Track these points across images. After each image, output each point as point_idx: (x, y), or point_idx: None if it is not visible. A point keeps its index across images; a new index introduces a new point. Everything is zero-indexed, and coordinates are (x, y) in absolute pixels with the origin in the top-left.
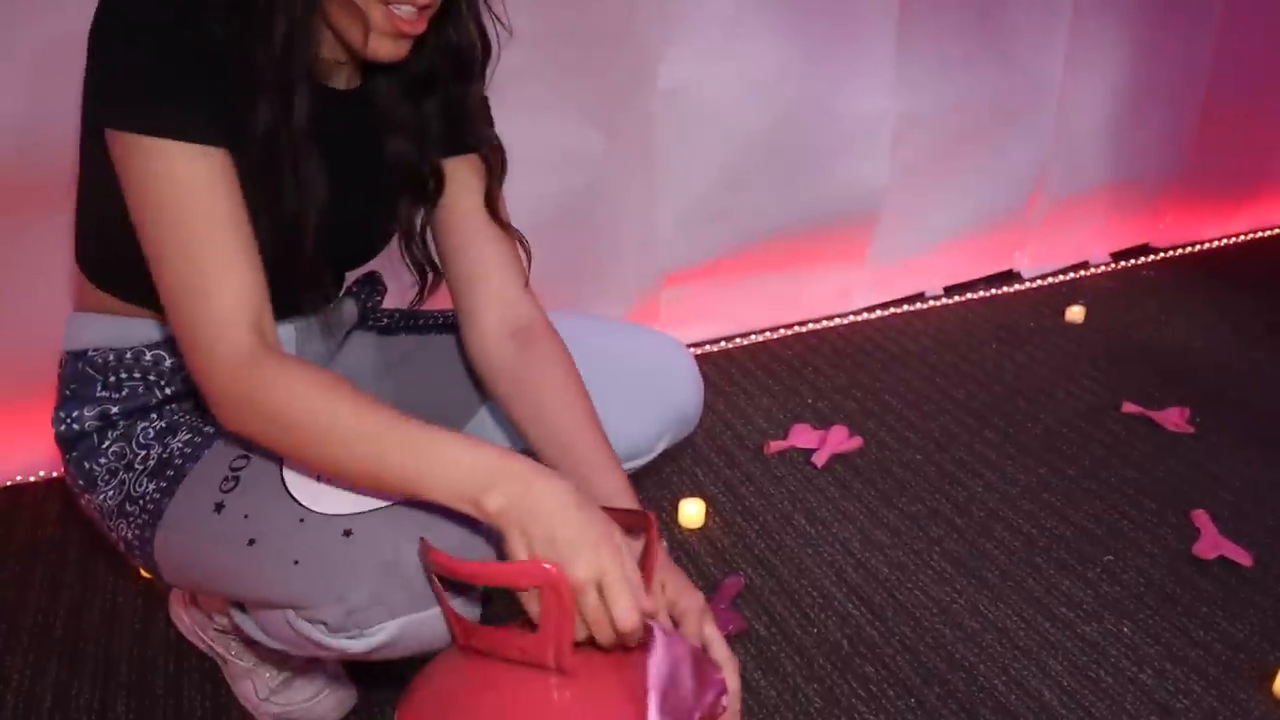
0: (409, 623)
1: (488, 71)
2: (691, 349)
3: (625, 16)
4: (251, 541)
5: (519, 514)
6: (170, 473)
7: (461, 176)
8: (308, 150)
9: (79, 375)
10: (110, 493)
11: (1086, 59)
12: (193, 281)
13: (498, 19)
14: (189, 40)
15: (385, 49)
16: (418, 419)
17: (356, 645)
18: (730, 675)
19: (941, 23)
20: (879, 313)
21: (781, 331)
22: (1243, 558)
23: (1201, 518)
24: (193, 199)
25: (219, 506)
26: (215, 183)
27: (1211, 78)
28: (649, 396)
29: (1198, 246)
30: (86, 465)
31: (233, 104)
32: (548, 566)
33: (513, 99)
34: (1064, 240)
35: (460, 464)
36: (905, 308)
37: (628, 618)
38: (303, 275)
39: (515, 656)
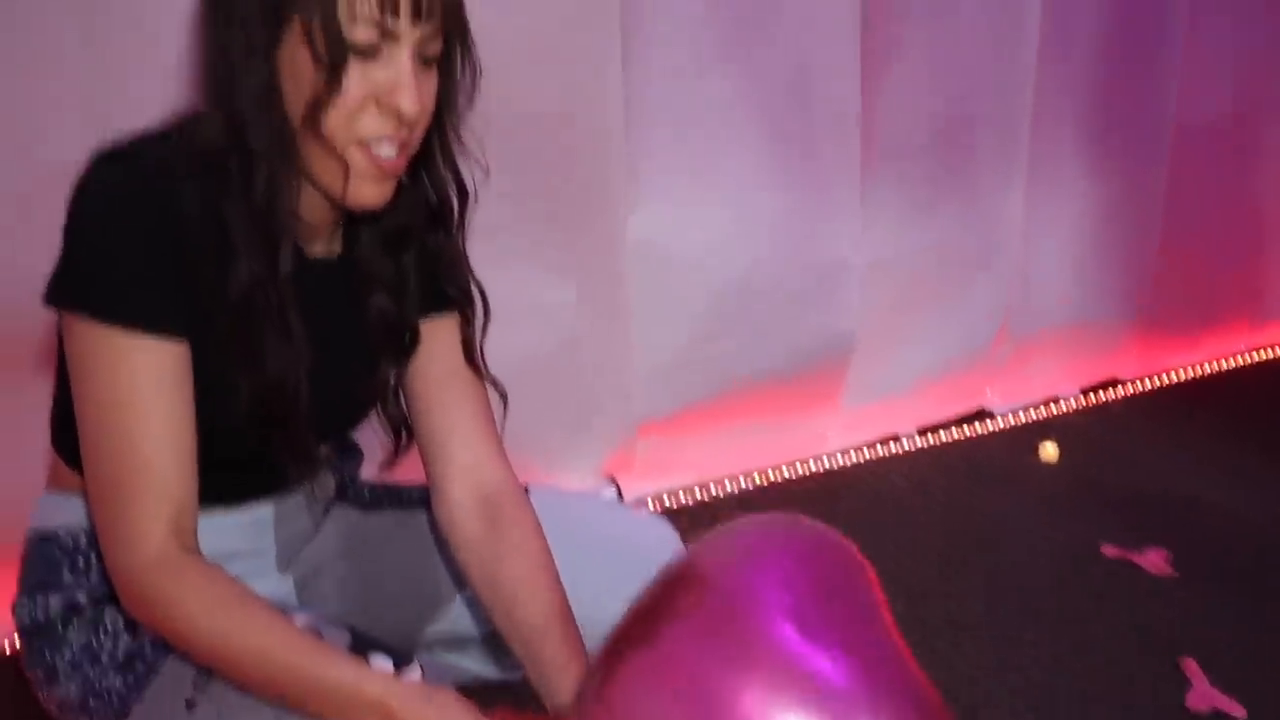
0: None
1: (468, 215)
2: (666, 498)
3: (594, 172)
4: None
5: None
6: (140, 666)
7: (433, 338)
8: (293, 304)
9: (46, 558)
10: (73, 687)
11: (1044, 203)
12: (118, 479)
13: (475, 159)
14: (157, 219)
15: (367, 193)
16: (312, 643)
17: None
18: None
19: (903, 172)
20: (854, 456)
21: (757, 478)
22: (1236, 709)
23: (1191, 667)
24: (131, 395)
25: (190, 704)
26: (160, 378)
27: (1166, 218)
28: (634, 582)
29: (1165, 378)
30: (48, 656)
31: (202, 279)
32: None
33: (484, 253)
34: (1033, 377)
35: (344, 702)
36: (879, 450)
37: None
38: (291, 444)
39: None
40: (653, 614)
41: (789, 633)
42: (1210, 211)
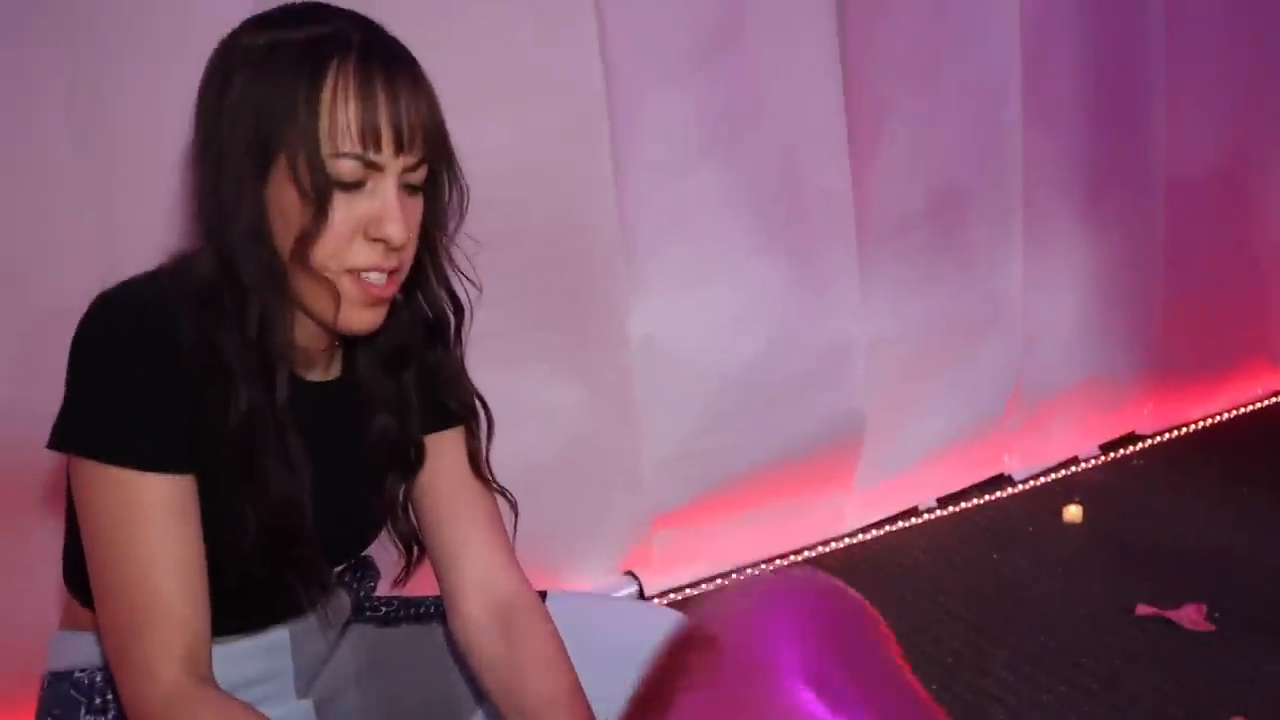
0: None
1: (464, 330)
2: (688, 590)
3: (593, 273)
4: None
5: None
6: None
7: (439, 452)
8: (292, 430)
9: (63, 699)
10: None
11: (1044, 265)
12: (129, 613)
13: (466, 278)
14: (157, 359)
15: (359, 319)
16: None
17: None
18: None
19: (899, 246)
20: (874, 533)
21: (777, 563)
22: None
23: None
24: (140, 530)
25: None
26: (167, 512)
27: (1167, 269)
28: None
29: (1185, 429)
30: None
31: (203, 412)
32: None
33: (488, 359)
34: (1050, 438)
35: None
36: (900, 524)
37: None
38: (300, 567)
39: None
40: (666, 682)
41: (809, 696)
42: (1211, 259)
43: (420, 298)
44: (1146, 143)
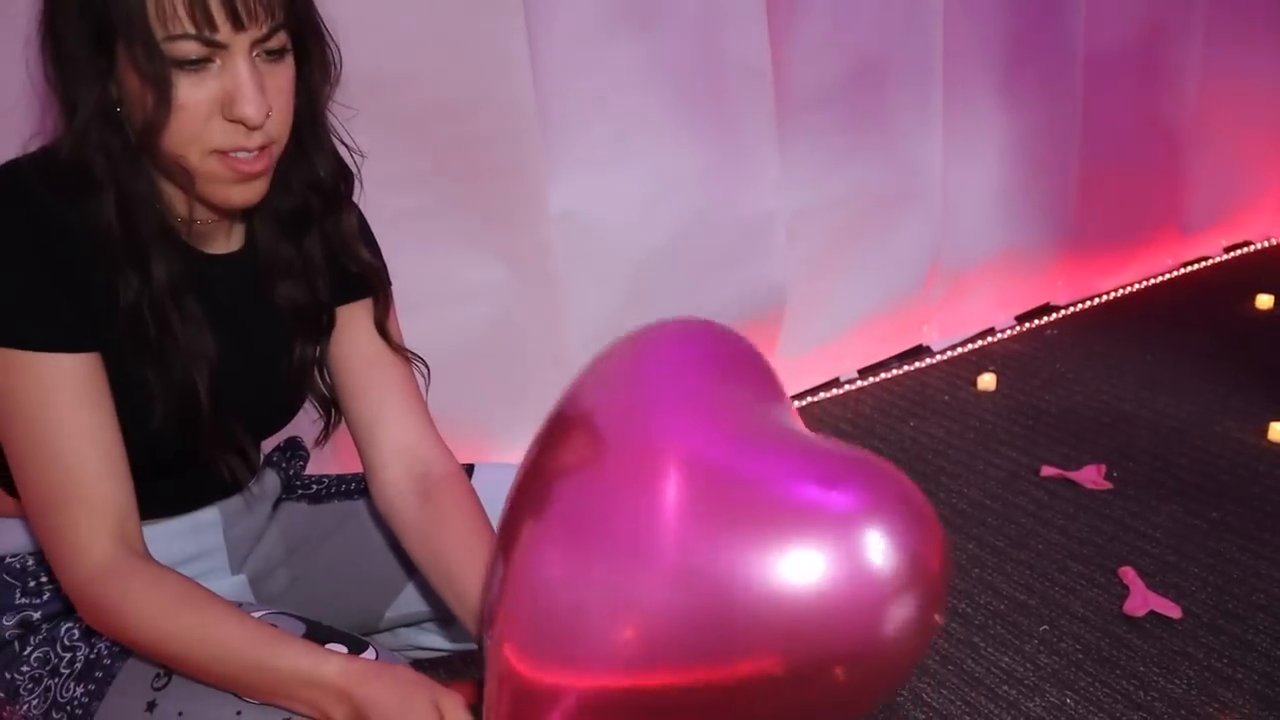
0: None
1: (354, 197)
2: None
3: (511, 149)
4: None
5: None
6: (99, 674)
7: (351, 324)
8: (179, 312)
9: None
10: (35, 701)
11: (962, 138)
12: (51, 496)
13: (345, 145)
14: (44, 240)
15: (236, 196)
16: (267, 632)
17: None
18: None
19: (818, 119)
20: (796, 404)
21: None
22: (1172, 611)
23: (1129, 575)
24: (50, 412)
25: (151, 706)
26: (75, 391)
27: (1084, 143)
28: None
29: (1096, 300)
30: (8, 675)
31: (95, 292)
32: None
33: (410, 239)
34: (968, 309)
35: (302, 687)
36: (821, 395)
37: None
38: (213, 443)
39: None
40: (544, 475)
41: (690, 475)
42: (1127, 133)
43: (309, 162)
44: (1065, 15)
